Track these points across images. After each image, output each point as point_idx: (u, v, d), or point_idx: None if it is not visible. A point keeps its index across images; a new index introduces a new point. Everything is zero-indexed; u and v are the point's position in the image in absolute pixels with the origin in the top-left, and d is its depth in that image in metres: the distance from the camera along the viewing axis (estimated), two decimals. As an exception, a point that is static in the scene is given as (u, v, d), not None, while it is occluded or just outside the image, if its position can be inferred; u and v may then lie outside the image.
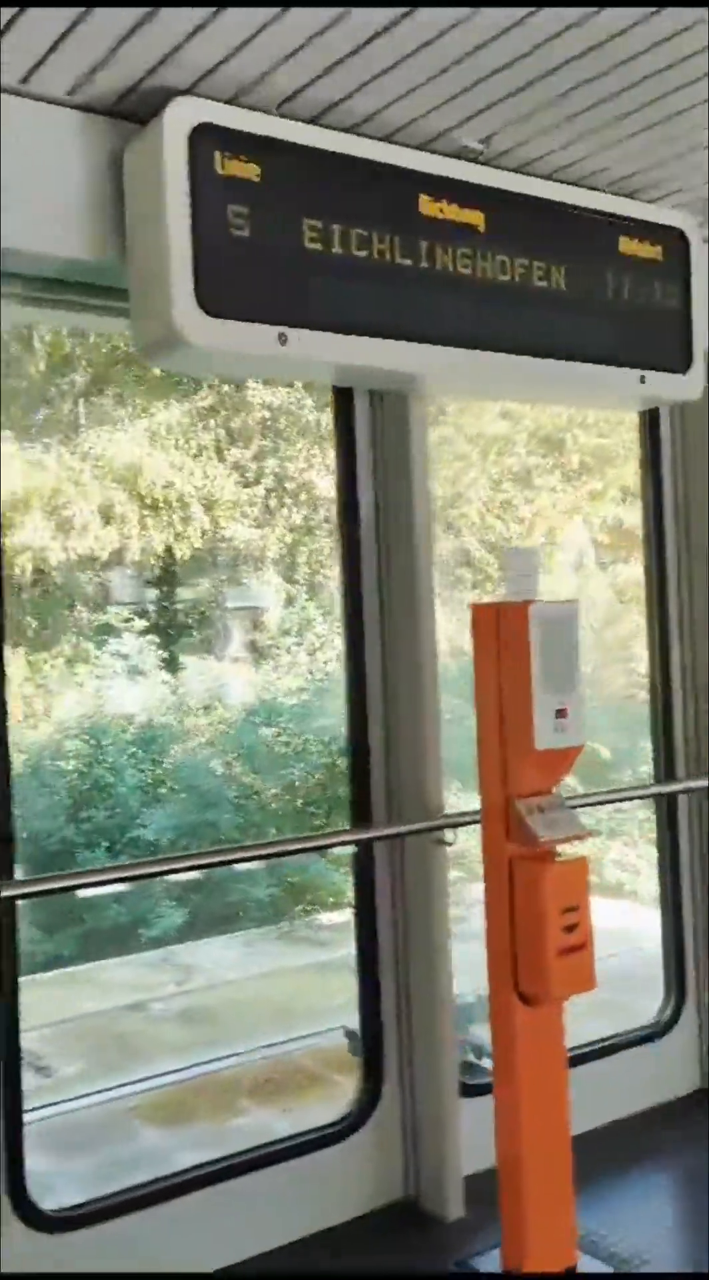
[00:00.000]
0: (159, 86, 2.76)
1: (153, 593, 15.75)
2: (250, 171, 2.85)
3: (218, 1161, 3.47)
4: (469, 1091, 3.82)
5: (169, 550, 15.04)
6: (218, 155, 2.80)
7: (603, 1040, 4.33)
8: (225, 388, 16.04)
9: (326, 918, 10.56)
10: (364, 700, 3.62)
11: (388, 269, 3.08)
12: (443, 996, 3.57)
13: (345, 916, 11.15)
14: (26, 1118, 3.28)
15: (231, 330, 2.80)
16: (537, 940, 3.08)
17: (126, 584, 15.42)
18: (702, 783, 4.33)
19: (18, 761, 11.81)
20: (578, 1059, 4.19)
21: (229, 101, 2.87)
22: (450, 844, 3.55)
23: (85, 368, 15.30)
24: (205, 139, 2.77)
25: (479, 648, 3.20)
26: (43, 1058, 7.62)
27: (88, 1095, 6.71)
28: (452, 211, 3.22)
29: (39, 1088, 7.16)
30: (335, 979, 9.41)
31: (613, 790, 5.56)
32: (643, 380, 3.59)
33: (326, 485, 16.61)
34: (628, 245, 3.59)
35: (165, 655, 13.06)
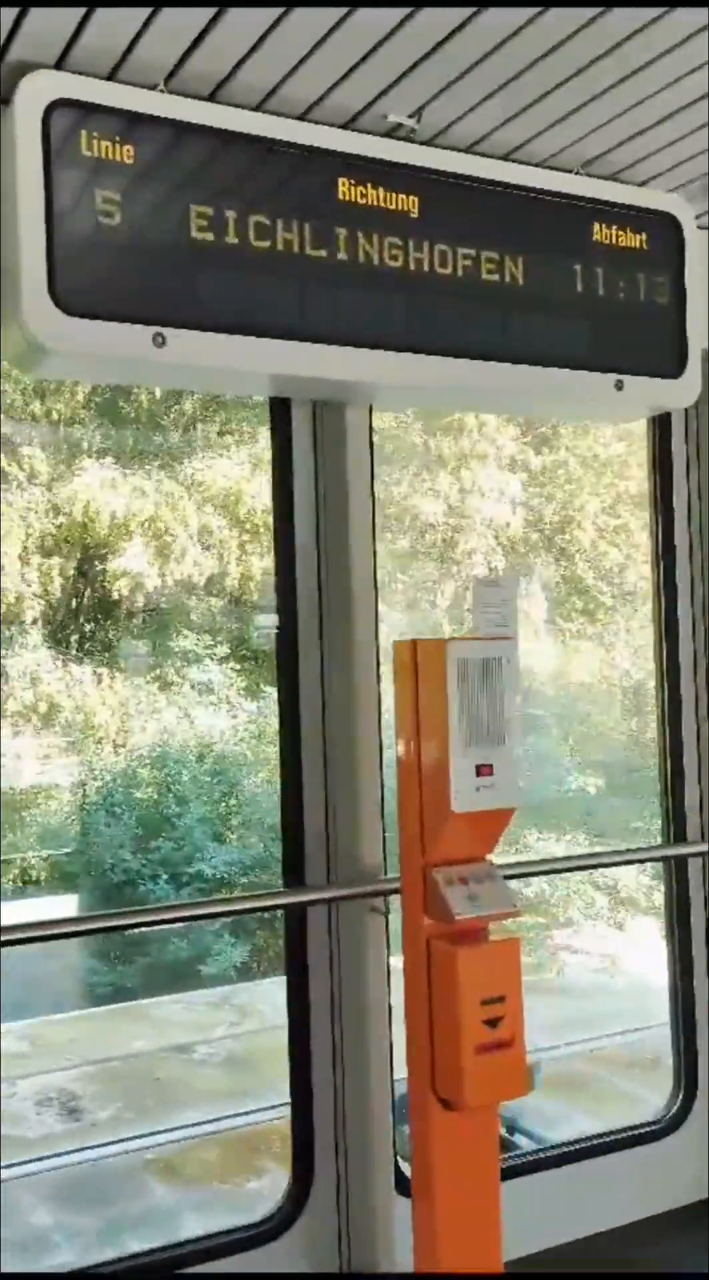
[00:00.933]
0: (19, 62, 2.48)
1: (249, 618, 15.61)
2: (123, 153, 2.54)
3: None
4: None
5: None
6: (84, 135, 2.50)
7: (598, 1137, 3.82)
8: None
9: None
10: (299, 746, 3.24)
11: (294, 261, 2.72)
12: (378, 1085, 3.14)
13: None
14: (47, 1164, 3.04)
15: (96, 331, 2.48)
16: (451, 1035, 2.64)
17: (220, 610, 15.32)
18: None
19: (92, 789, 11.81)
20: (567, 1157, 3.70)
21: (108, 77, 2.57)
22: (384, 913, 3.13)
23: (195, 395, 15.33)
24: (66, 117, 2.47)
25: (399, 691, 2.79)
26: (79, 1099, 7.41)
27: (107, 1144, 6.45)
28: (377, 196, 2.84)
29: (66, 1132, 6.95)
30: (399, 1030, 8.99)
31: (615, 852, 5.01)
32: (619, 386, 3.13)
33: (433, 509, 16.27)
34: (603, 233, 3.14)
35: (245, 684, 12.88)
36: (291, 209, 2.72)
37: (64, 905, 9.96)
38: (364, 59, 2.56)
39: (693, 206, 3.26)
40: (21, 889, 10.54)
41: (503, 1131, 5.87)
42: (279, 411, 3.23)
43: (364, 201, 2.82)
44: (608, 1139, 3.79)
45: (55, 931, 3.06)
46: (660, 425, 3.79)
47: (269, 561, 15.36)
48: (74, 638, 14.30)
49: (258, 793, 10.91)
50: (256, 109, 2.74)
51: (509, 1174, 3.28)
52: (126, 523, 14.55)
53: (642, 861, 4.86)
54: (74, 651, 14.11)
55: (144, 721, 12.25)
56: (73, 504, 14.03)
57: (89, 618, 14.64)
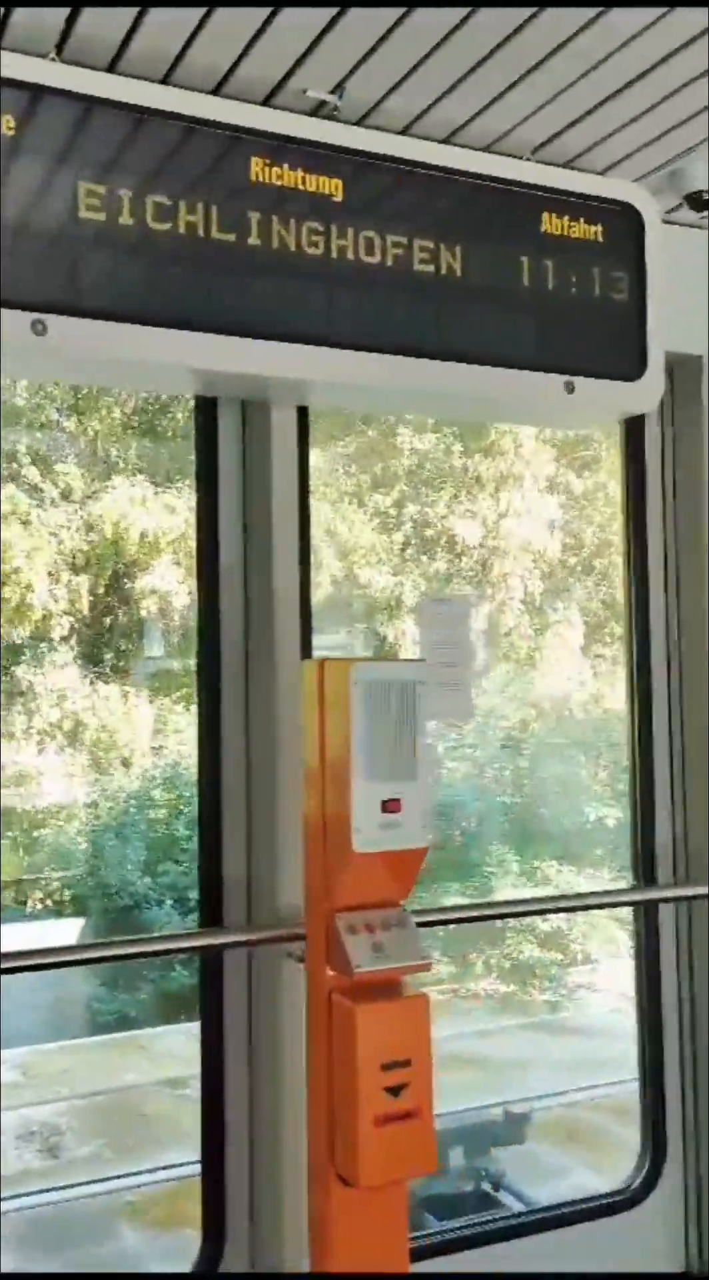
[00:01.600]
0: None
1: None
2: (3, 124, 2.33)
3: None
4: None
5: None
6: (-42, 106, 2.30)
7: (557, 1206, 3.50)
8: (371, 432, 15.71)
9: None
10: (219, 777, 2.98)
11: (197, 245, 2.50)
12: (290, 1147, 2.85)
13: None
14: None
15: (-35, 317, 2.28)
16: (348, 1102, 2.36)
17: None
18: (700, 889, 3.45)
19: (103, 810, 11.64)
20: (523, 1228, 3.40)
21: (-2, 47, 2.37)
22: (301, 959, 2.85)
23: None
24: (-63, 86, 2.28)
25: (305, 716, 2.53)
26: (60, 1134, 7.18)
27: (79, 1185, 6.20)
28: (294, 178, 2.61)
29: (43, 1170, 6.72)
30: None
31: (581, 895, 4.68)
32: (570, 388, 2.86)
33: (469, 532, 16.01)
34: (553, 223, 2.89)
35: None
36: (197, 190, 2.51)
37: (68, 930, 9.79)
38: (267, 27, 2.34)
39: (656, 198, 3.00)
40: (27, 912, 10.37)
41: (487, 1188, 5.53)
42: (205, 412, 2.99)
43: (280, 183, 2.59)
44: (568, 1209, 3.47)
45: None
46: (632, 433, 3.50)
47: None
48: (104, 655, 14.19)
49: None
50: (163, 81, 2.53)
51: (444, 1249, 2.99)
52: (156, 540, 14.44)
53: (611, 905, 4.49)
54: (100, 669, 14.01)
55: (162, 741, 12.07)
56: (104, 521, 13.95)
57: (118, 635, 14.52)
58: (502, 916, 5.37)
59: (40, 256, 2.36)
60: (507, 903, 5.22)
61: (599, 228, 2.92)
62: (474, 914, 3.76)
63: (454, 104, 2.66)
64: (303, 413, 3.00)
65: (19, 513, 13.63)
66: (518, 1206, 5.22)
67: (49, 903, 10.55)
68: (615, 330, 2.92)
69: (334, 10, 2.29)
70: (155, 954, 3.55)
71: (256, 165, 2.57)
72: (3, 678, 13.51)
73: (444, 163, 2.75)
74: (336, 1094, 2.41)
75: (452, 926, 10.53)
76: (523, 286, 2.84)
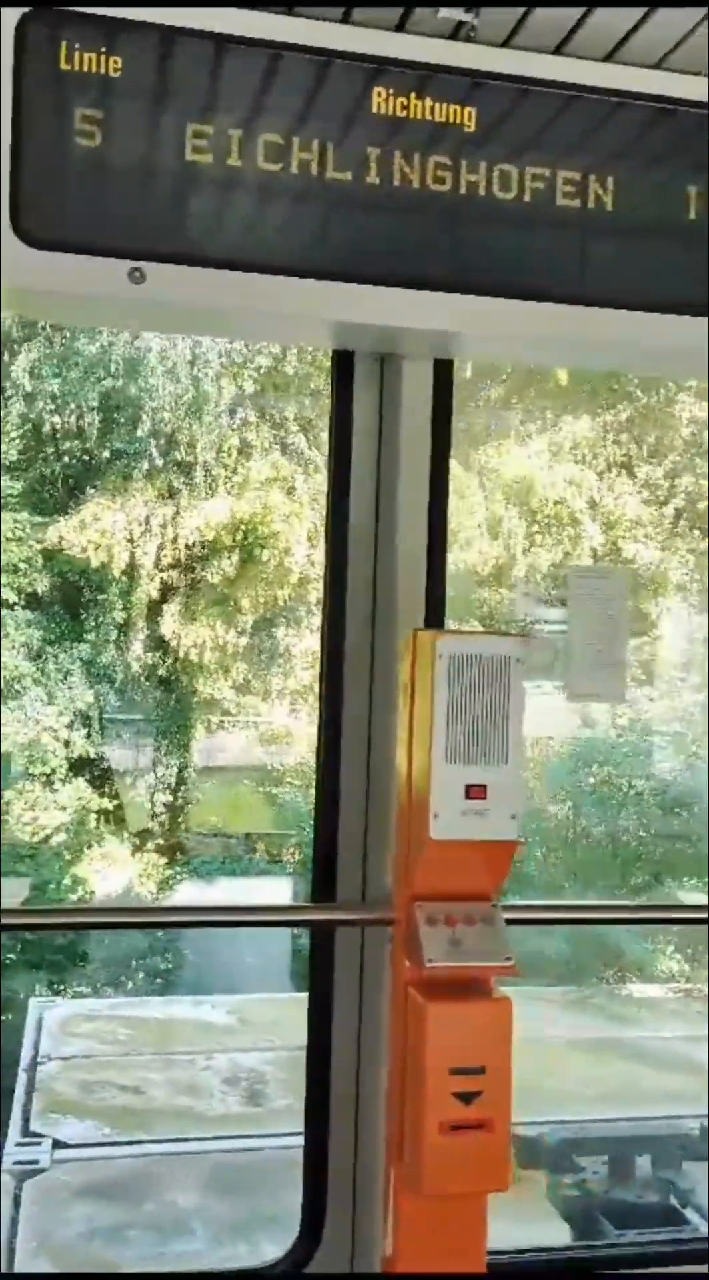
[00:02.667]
0: None
1: (543, 612, 15.07)
2: (108, 66, 2.27)
3: None
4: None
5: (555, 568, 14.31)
6: (64, 48, 2.26)
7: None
8: (645, 399, 15.04)
9: (638, 989, 9.37)
10: (338, 750, 2.84)
11: (312, 185, 2.36)
12: (373, 1132, 2.68)
13: (656, 992, 9.88)
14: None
15: (62, 265, 2.24)
16: (415, 1105, 2.21)
17: (511, 602, 14.89)
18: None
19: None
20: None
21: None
22: (400, 945, 2.69)
23: (503, 380, 14.97)
24: (43, 29, 2.24)
25: (402, 692, 2.37)
26: (265, 1083, 7.36)
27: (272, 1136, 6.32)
28: (421, 108, 2.41)
29: (242, 1116, 6.91)
30: (616, 1063, 8.28)
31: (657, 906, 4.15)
32: (742, 335, 2.51)
33: (750, 508, 15.03)
34: (728, 144, 2.53)
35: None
36: (311, 125, 2.36)
37: (279, 887, 10.03)
38: None
39: None
40: (253, 868, 10.71)
41: (674, 1202, 5.19)
42: (341, 366, 2.85)
43: (405, 115, 2.40)
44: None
45: (67, 921, 2.85)
46: None
47: (559, 554, 14.82)
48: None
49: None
50: (289, 10, 2.39)
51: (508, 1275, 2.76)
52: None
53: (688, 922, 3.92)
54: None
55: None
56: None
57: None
58: (611, 922, 4.92)
59: (142, 202, 2.29)
60: (623, 906, 4.81)
61: None
62: (580, 915, 3.43)
63: (607, 14, 2.37)
64: (445, 366, 2.80)
65: (282, 479, 14.03)
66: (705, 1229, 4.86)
67: (272, 859, 10.86)
68: None
69: None
70: (260, 923, 3.47)
71: (379, 96, 2.39)
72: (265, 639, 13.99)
73: (597, 82, 2.46)
74: (408, 1093, 2.25)
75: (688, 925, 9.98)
76: (688, 220, 2.51)
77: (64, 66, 2.25)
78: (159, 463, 13.35)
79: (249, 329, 2.86)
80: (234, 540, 13.57)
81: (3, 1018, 8.96)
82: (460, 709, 2.19)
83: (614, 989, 9.62)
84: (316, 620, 14.64)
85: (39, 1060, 7.61)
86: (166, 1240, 5.10)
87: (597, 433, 14.84)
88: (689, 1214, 4.95)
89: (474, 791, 2.18)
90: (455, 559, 14.19)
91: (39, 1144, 5.60)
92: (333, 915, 2.75)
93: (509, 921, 2.32)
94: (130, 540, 13.34)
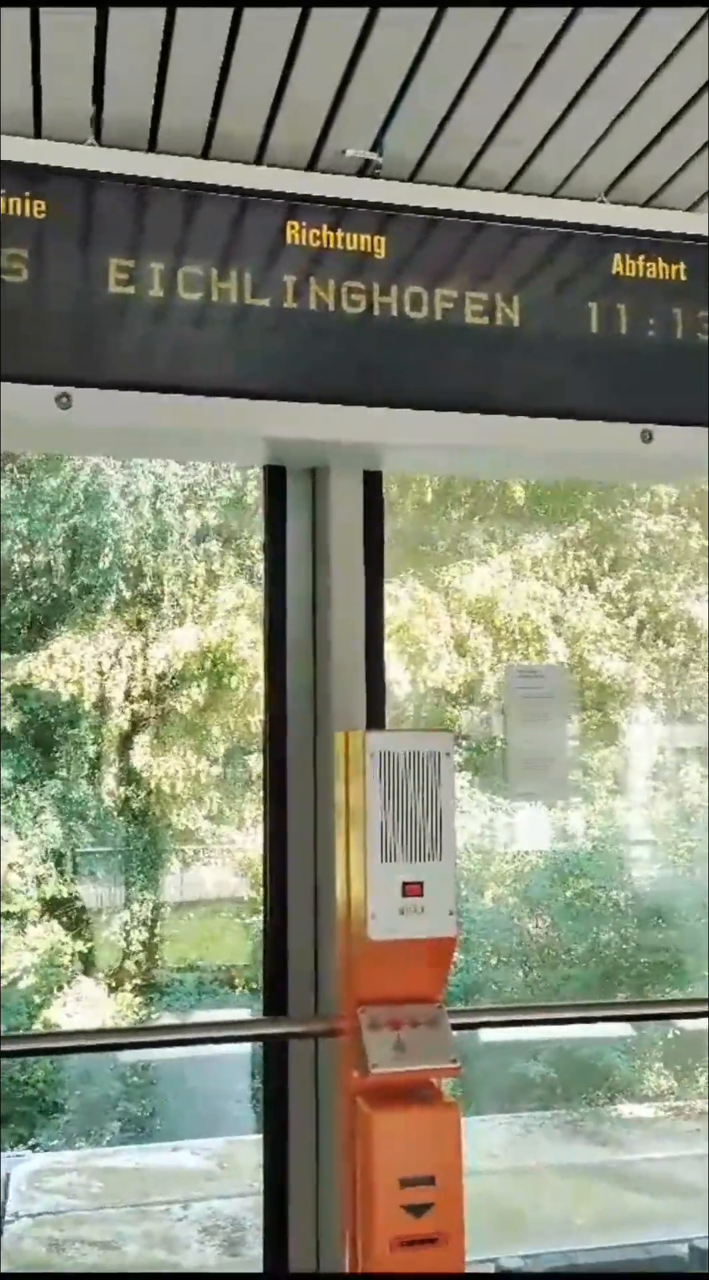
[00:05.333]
0: None
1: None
2: (33, 209, 2.41)
3: None
4: None
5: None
6: (-9, 194, 2.39)
7: None
8: (601, 516, 15.39)
9: (627, 1110, 9.09)
10: (285, 859, 2.83)
11: (228, 311, 2.48)
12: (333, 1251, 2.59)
13: (647, 1112, 9.60)
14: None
15: (-8, 393, 2.34)
16: (367, 1219, 2.14)
17: (473, 717, 14.93)
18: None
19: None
20: None
21: (35, 134, 2.47)
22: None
23: (463, 502, 15.28)
24: (-30, 177, 2.38)
25: (337, 792, 2.38)
26: (245, 1230, 7.05)
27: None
28: (333, 239, 2.55)
29: (219, 1266, 6.59)
30: (605, 1188, 7.99)
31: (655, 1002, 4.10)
32: (647, 437, 2.62)
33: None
34: (627, 265, 2.68)
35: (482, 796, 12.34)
36: (229, 257, 2.49)
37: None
38: (285, 87, 2.32)
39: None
40: (250, 995, 10.49)
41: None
42: (273, 480, 2.94)
43: (316, 245, 2.54)
44: None
45: (14, 1048, 2.80)
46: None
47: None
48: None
49: (480, 911, 10.31)
50: (203, 156, 2.55)
51: None
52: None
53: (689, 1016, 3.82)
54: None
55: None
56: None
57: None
58: (558, 1022, 4.78)
59: (66, 332, 2.39)
60: (569, 1005, 4.73)
61: (681, 265, 2.69)
62: (525, 1017, 3.35)
63: (514, 151, 2.54)
64: (374, 478, 2.90)
65: (248, 606, 14.16)
66: None
67: (251, 990, 10.61)
68: (698, 374, 2.66)
69: (348, 60, 2.24)
70: (212, 1040, 3.40)
71: (293, 229, 2.54)
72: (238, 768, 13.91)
73: (502, 211, 2.62)
74: (359, 1208, 2.19)
75: (672, 1035, 9.79)
76: (590, 333, 2.65)
77: (-9, 210, 2.38)
78: (127, 595, 13.48)
79: (178, 449, 2.96)
80: (202, 668, 13.63)
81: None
82: (393, 806, 2.20)
83: (601, 1111, 9.36)
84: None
85: (6, 1219, 7.27)
86: None
87: (557, 549, 15.14)
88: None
89: (410, 889, 2.18)
90: (424, 677, 14.31)
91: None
92: (283, 1029, 2.71)
93: (456, 1026, 2.29)
94: (100, 673, 13.37)
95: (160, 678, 13.54)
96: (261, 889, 2.87)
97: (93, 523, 13.18)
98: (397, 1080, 2.17)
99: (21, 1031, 9.31)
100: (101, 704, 13.31)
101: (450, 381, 2.60)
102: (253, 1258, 6.73)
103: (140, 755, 13.31)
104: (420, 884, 2.19)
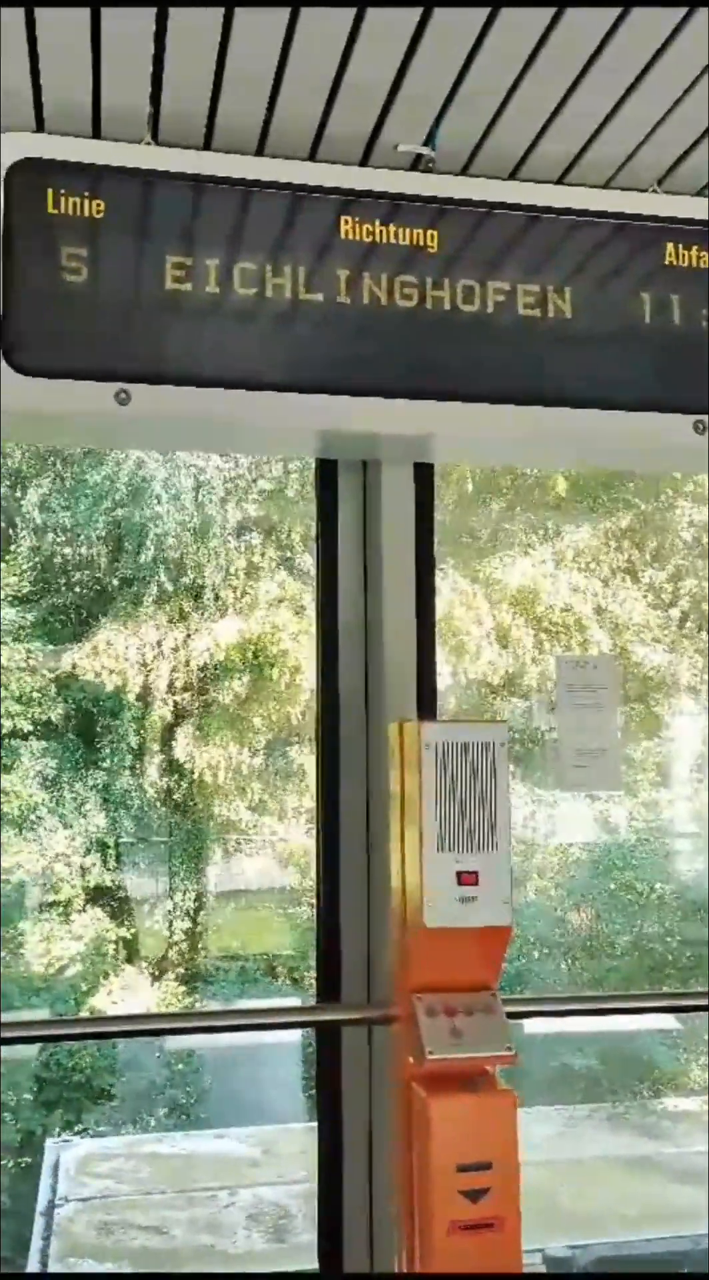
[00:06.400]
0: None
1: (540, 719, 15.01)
2: (93, 208, 2.44)
3: None
4: None
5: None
6: (51, 194, 2.43)
7: None
8: (644, 506, 15.29)
9: (673, 1103, 9.06)
10: (337, 848, 2.86)
11: (285, 307, 2.50)
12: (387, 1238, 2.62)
13: (693, 1105, 9.55)
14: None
15: (51, 390, 2.38)
16: (424, 1204, 2.17)
17: (514, 708, 14.89)
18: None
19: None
20: None
21: (94, 135, 2.51)
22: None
23: (504, 492, 15.24)
24: (31, 177, 2.41)
25: (391, 782, 2.41)
26: (291, 1217, 7.11)
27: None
28: (388, 233, 2.57)
29: (265, 1253, 6.66)
30: (648, 1181, 7.98)
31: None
32: (700, 428, 2.62)
33: (755, 607, 15.13)
34: (680, 254, 2.68)
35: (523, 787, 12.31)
36: (283, 252, 2.51)
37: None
38: (341, 82, 2.34)
39: None
40: (292, 985, 10.59)
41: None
42: (324, 473, 2.96)
43: (371, 239, 2.56)
44: None
45: (67, 1032, 2.84)
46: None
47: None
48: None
49: (524, 903, 10.30)
50: (257, 152, 2.58)
51: None
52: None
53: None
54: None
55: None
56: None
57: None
58: (611, 1012, 4.84)
59: (124, 329, 2.43)
60: (622, 996, 4.72)
61: (732, 254, 2.68)
62: (575, 1007, 3.34)
63: (566, 138, 2.54)
64: (425, 469, 2.92)
65: (290, 598, 14.21)
66: None
67: (299, 980, 10.69)
68: (752, 363, 2.65)
69: (403, 54, 2.25)
70: (264, 1026, 3.44)
71: (347, 224, 2.55)
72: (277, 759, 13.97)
73: (551, 203, 2.63)
74: (415, 1193, 2.22)
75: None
76: (644, 324, 2.65)
77: (51, 210, 2.42)
78: (169, 587, 13.57)
79: (231, 443, 3.00)
80: (244, 660, 13.70)
81: (19, 1161, 8.73)
82: (448, 796, 2.22)
83: (647, 1103, 9.33)
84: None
85: (56, 1203, 7.38)
86: None
87: (599, 540, 15.06)
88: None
89: (466, 878, 2.20)
90: (465, 669, 14.30)
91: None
92: (337, 1015, 2.74)
93: (510, 1014, 2.31)
94: (143, 664, 13.49)
95: (202, 669, 13.65)
96: (314, 878, 2.90)
97: (136, 516, 13.29)
98: (453, 1067, 2.19)
99: (75, 1016, 9.44)
100: (144, 695, 13.46)
101: (502, 374, 2.60)
102: (297, 1244, 6.80)
103: (182, 746, 13.42)
104: (476, 873, 2.21)
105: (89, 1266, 6.40)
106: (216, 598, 13.82)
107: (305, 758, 14.10)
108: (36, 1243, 6.67)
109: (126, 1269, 6.46)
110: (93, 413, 2.40)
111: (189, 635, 13.62)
